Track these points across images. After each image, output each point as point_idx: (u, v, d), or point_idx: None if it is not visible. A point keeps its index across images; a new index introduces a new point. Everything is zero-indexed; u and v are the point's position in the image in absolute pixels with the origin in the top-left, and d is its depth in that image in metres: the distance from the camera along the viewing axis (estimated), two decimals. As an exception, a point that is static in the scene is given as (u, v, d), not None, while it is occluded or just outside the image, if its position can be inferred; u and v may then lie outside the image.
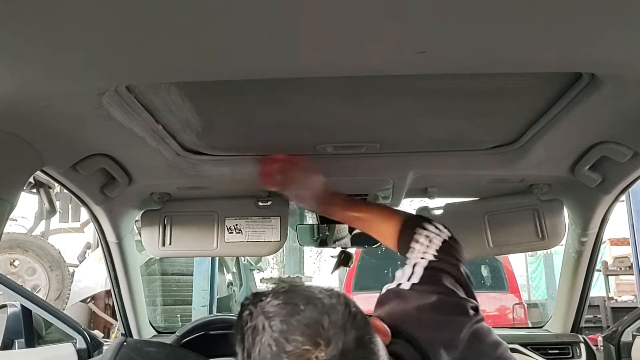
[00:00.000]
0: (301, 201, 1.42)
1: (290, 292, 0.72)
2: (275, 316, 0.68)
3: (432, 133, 1.26)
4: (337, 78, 0.88)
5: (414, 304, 0.92)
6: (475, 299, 0.97)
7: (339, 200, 1.35)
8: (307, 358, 0.64)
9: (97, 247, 5.50)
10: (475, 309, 0.94)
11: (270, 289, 0.75)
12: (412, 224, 1.13)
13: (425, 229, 1.09)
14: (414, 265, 1.02)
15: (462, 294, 0.96)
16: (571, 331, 1.90)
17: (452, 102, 1.06)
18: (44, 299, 3.76)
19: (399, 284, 0.98)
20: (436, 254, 1.03)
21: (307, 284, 0.78)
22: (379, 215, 1.27)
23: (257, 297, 0.73)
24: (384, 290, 1.00)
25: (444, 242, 1.06)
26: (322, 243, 2.05)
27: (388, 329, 0.82)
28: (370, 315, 0.79)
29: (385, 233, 1.22)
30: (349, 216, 1.34)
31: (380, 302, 0.98)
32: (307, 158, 1.32)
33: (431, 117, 1.15)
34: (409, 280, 0.98)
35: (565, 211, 1.69)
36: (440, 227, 1.11)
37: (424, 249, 1.05)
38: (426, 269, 0.99)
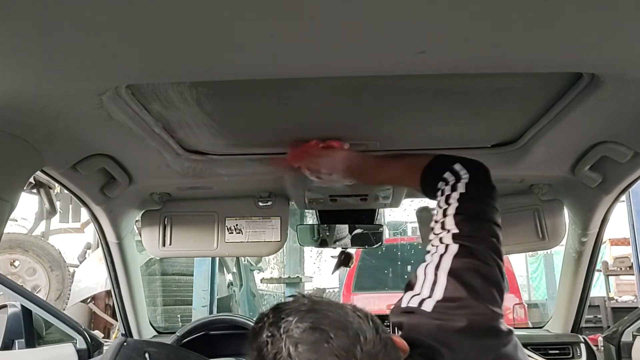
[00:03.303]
0: (335, 182, 1.32)
1: (315, 312, 0.66)
2: (302, 343, 0.63)
3: (432, 133, 1.26)
4: (337, 77, 0.88)
5: (438, 323, 0.83)
6: (502, 291, 0.88)
7: (366, 165, 1.25)
8: None
9: (98, 247, 5.49)
10: (508, 330, 0.85)
11: (289, 303, 0.70)
12: (433, 171, 1.04)
13: (446, 181, 1.00)
14: (437, 267, 0.89)
15: (491, 304, 0.86)
16: (571, 331, 1.90)
17: (452, 102, 1.06)
18: (44, 299, 3.76)
19: (422, 301, 0.86)
20: (457, 229, 0.91)
21: (325, 298, 0.71)
22: (402, 163, 1.19)
23: (277, 316, 0.67)
24: (405, 301, 0.88)
25: (462, 196, 0.95)
26: (323, 243, 2.05)
27: (406, 346, 0.77)
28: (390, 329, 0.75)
29: (411, 182, 1.14)
30: (379, 178, 1.27)
31: (400, 312, 0.89)
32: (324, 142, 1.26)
33: (431, 116, 1.15)
34: (430, 295, 0.86)
35: (566, 211, 1.69)
36: (459, 170, 1.00)
37: (441, 210, 0.96)
38: (450, 273, 0.87)
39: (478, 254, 0.89)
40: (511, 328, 0.86)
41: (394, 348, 0.71)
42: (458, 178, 0.99)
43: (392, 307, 0.93)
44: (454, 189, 0.98)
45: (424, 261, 0.93)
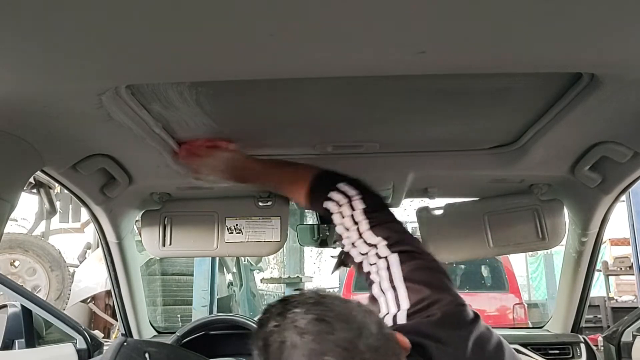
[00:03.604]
0: (215, 183, 1.35)
1: (321, 305, 0.68)
2: (308, 333, 0.64)
3: (432, 133, 1.26)
4: (337, 78, 0.88)
5: (419, 321, 0.86)
6: (449, 277, 0.92)
7: (248, 169, 1.28)
8: None
9: (98, 247, 5.49)
10: (474, 313, 0.89)
11: (296, 296, 0.71)
12: (318, 188, 1.08)
13: (333, 199, 1.03)
14: (390, 280, 0.91)
15: (449, 291, 0.89)
16: (571, 331, 1.90)
17: (452, 102, 1.06)
18: (44, 299, 3.76)
19: (394, 317, 0.88)
20: (385, 241, 0.95)
21: (331, 292, 0.73)
22: (287, 173, 1.23)
23: (284, 307, 0.69)
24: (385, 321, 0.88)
25: (366, 210, 1.00)
26: (322, 243, 2.05)
27: (409, 343, 0.78)
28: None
29: (295, 195, 1.17)
30: (262, 182, 1.31)
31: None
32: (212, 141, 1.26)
33: (431, 117, 1.15)
34: (399, 308, 0.88)
35: (566, 211, 1.69)
36: (346, 189, 1.04)
37: (355, 231, 0.98)
38: (405, 280, 0.90)
39: (415, 252, 0.94)
40: (476, 313, 0.89)
41: (396, 344, 0.72)
42: (349, 196, 1.03)
43: None
44: (353, 207, 1.02)
45: (369, 282, 0.96)
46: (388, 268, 0.92)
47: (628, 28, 0.67)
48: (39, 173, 1.11)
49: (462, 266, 6.26)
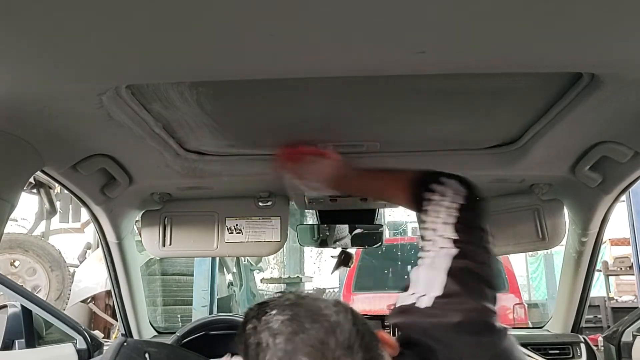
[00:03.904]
0: (317, 190, 1.36)
1: (296, 306, 0.70)
2: (280, 334, 0.66)
3: (432, 132, 1.26)
4: (337, 78, 0.88)
5: (434, 320, 0.84)
6: (495, 293, 0.90)
7: (351, 177, 1.28)
8: None
9: (98, 247, 5.50)
10: (503, 328, 0.86)
11: (275, 299, 0.73)
12: (422, 182, 1.06)
13: (436, 191, 1.02)
14: (434, 266, 0.91)
15: (485, 301, 0.87)
16: (571, 331, 1.90)
17: (452, 102, 1.06)
18: (44, 299, 3.76)
19: (418, 298, 0.88)
20: (457, 236, 0.94)
21: (312, 293, 0.75)
22: (389, 175, 1.22)
23: (261, 310, 0.71)
24: (400, 301, 0.91)
25: (462, 207, 0.98)
26: (323, 243, 2.05)
27: (394, 342, 0.79)
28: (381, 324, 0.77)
29: (397, 193, 1.16)
30: (363, 190, 1.30)
31: (396, 312, 0.90)
32: (316, 148, 1.28)
33: (431, 116, 1.15)
34: (428, 292, 0.88)
35: (566, 211, 1.69)
36: (454, 185, 1.03)
37: (440, 220, 0.98)
38: (448, 272, 0.89)
39: (475, 256, 0.92)
40: (506, 326, 0.87)
41: (375, 341, 0.72)
42: (454, 191, 1.02)
43: (389, 311, 0.94)
44: (447, 199, 1.00)
45: (417, 265, 0.95)
46: (439, 257, 0.92)
47: (628, 28, 0.67)
48: (39, 173, 1.11)
49: (462, 266, 6.24)
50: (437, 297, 0.86)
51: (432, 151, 1.35)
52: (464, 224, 0.97)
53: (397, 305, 0.91)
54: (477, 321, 0.84)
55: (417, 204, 1.06)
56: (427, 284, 0.89)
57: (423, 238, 0.99)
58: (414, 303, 0.87)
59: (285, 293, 0.76)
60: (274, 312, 0.70)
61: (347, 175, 1.27)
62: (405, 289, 0.93)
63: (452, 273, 0.89)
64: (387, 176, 1.23)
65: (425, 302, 0.86)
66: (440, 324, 0.83)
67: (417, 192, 1.07)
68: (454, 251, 0.92)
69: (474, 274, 0.90)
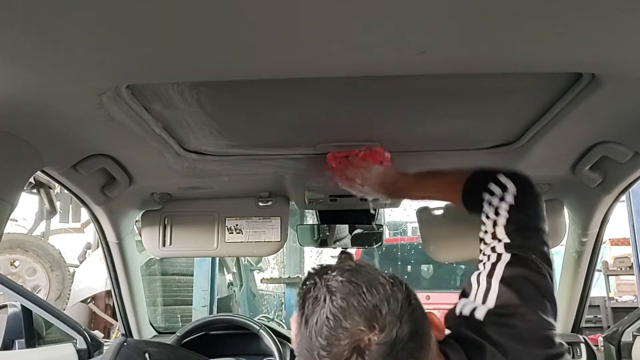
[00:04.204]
0: (369, 194, 1.34)
1: (356, 272, 0.73)
2: (338, 292, 0.70)
3: (432, 132, 1.26)
4: (337, 78, 0.88)
5: (490, 328, 0.84)
6: (554, 303, 0.90)
7: (405, 182, 1.28)
8: (360, 338, 0.67)
9: (98, 247, 5.49)
10: (559, 342, 0.86)
11: (337, 264, 0.78)
12: (474, 182, 1.06)
13: (487, 191, 1.01)
14: (489, 274, 0.91)
15: (543, 312, 0.87)
16: (571, 331, 1.89)
17: (452, 102, 1.06)
18: (44, 299, 3.76)
19: (474, 309, 0.88)
20: (508, 240, 0.94)
21: (371, 265, 0.79)
22: (441, 178, 1.22)
23: (323, 270, 0.76)
24: (459, 309, 0.90)
25: (512, 207, 0.97)
26: (323, 243, 2.05)
27: (443, 325, 0.81)
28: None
29: (451, 197, 1.17)
30: (415, 194, 1.30)
31: (453, 318, 0.90)
32: (368, 151, 1.27)
33: (431, 116, 1.15)
34: (484, 302, 0.88)
35: (566, 211, 1.69)
36: (505, 181, 1.01)
37: (490, 221, 0.98)
38: (502, 281, 0.89)
39: (530, 263, 0.92)
40: (563, 342, 0.86)
41: (424, 319, 0.75)
42: (505, 189, 1.01)
43: (447, 312, 0.94)
44: (502, 200, 1.00)
45: (477, 269, 0.96)
46: (494, 263, 0.93)
47: (628, 28, 0.67)
48: (39, 173, 1.11)
49: (463, 266, 6.25)
50: (491, 309, 0.87)
51: (433, 151, 1.35)
52: (516, 225, 0.96)
53: (456, 313, 0.91)
54: (534, 333, 0.84)
55: (471, 206, 1.06)
56: (483, 293, 0.90)
57: (480, 240, 1.00)
58: (471, 314, 0.88)
59: (346, 260, 0.81)
60: (334, 273, 0.74)
61: (396, 181, 1.27)
62: (465, 294, 0.93)
63: (505, 282, 0.89)
64: (439, 178, 1.23)
65: (480, 314, 0.87)
66: (502, 330, 0.84)
67: (470, 193, 1.07)
68: (507, 257, 0.92)
69: (529, 283, 0.89)
